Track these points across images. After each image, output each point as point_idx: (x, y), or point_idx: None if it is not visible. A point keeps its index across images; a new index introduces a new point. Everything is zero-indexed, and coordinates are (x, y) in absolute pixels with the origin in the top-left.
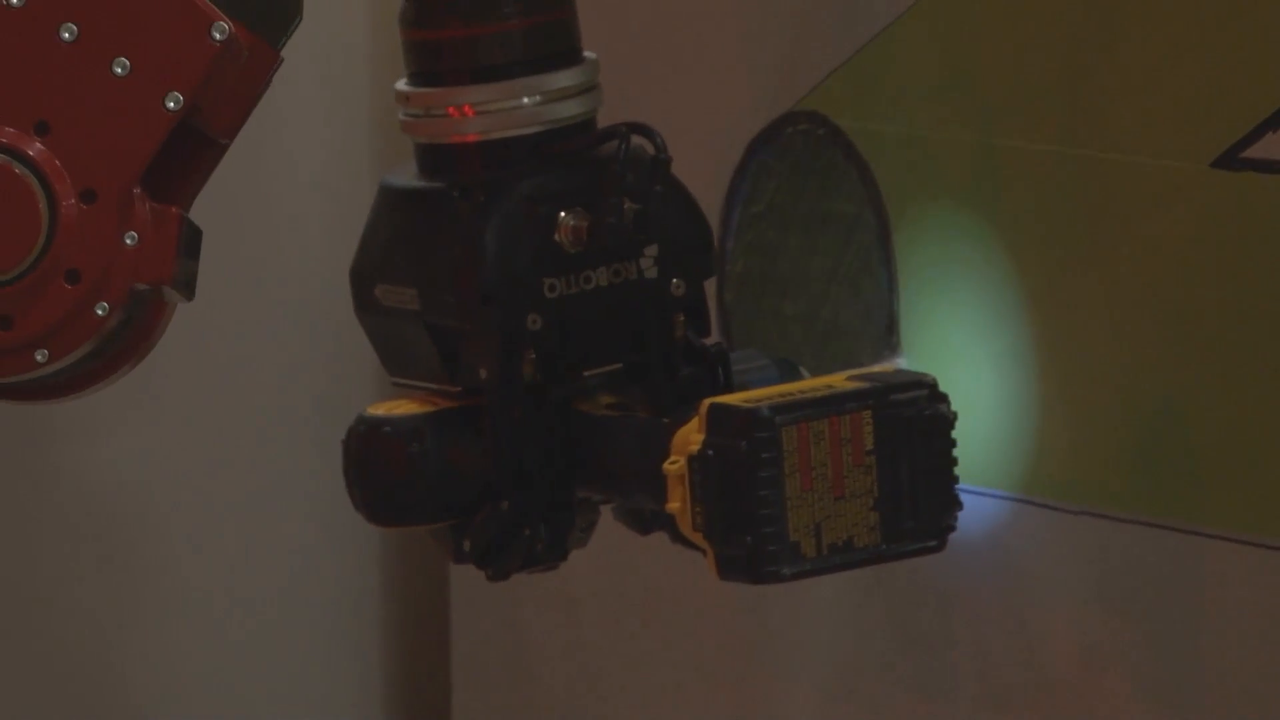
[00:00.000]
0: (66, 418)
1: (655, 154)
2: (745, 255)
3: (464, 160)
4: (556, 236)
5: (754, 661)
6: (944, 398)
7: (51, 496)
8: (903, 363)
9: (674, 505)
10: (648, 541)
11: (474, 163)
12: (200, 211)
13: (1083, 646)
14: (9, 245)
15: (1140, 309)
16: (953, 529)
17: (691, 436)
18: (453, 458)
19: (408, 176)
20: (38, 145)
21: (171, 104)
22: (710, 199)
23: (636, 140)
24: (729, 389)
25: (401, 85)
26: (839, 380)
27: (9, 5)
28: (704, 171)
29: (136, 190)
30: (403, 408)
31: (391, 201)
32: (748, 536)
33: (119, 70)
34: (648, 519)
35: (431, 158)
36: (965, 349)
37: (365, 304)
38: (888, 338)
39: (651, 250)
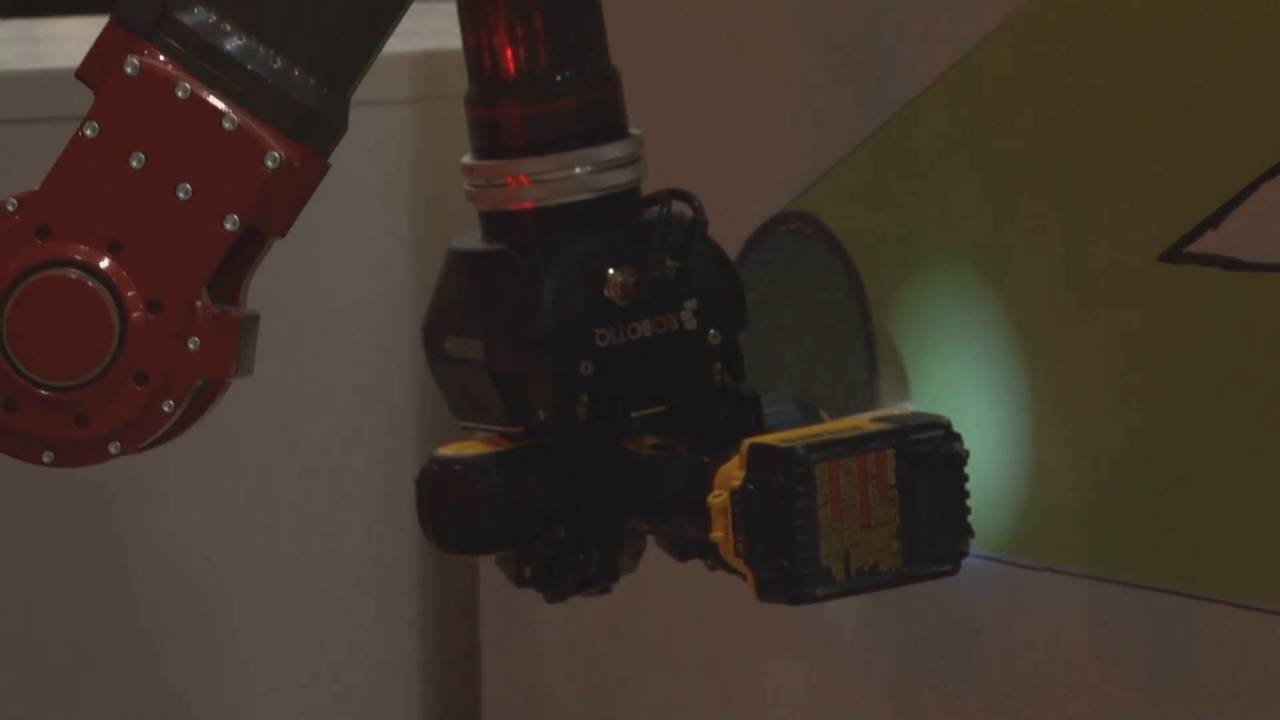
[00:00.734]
0: (128, 480)
1: (693, 217)
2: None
3: (523, 225)
4: (606, 291)
5: (770, 667)
6: (958, 437)
7: (117, 559)
8: (912, 406)
9: (718, 534)
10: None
11: (532, 227)
12: (258, 285)
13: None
14: (85, 351)
15: (1103, 387)
16: (965, 554)
17: (733, 473)
18: (515, 492)
19: (473, 241)
20: (110, 262)
21: (229, 225)
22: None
23: (677, 205)
24: (761, 430)
25: (466, 159)
26: (864, 422)
27: (84, 136)
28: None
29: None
30: (470, 448)
31: (459, 263)
32: (785, 561)
33: (182, 195)
34: (686, 546)
35: (494, 223)
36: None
37: (436, 356)
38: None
39: (691, 303)
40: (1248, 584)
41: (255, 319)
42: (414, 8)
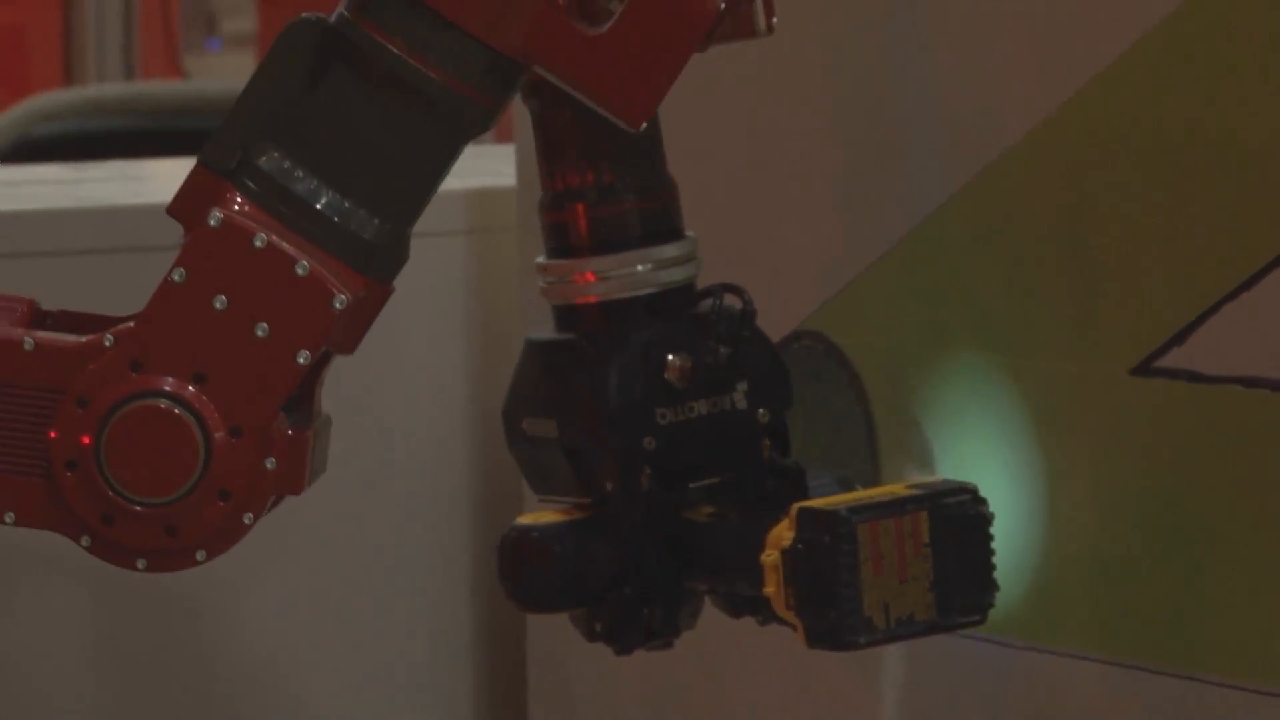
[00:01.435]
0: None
1: (743, 308)
2: None
3: (590, 317)
4: (666, 375)
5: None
6: (984, 501)
7: (182, 657)
8: (939, 473)
9: (770, 589)
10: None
11: (598, 318)
12: (334, 390)
13: None
14: (174, 472)
15: (1084, 490)
16: (992, 605)
17: (784, 534)
18: (586, 556)
19: (546, 332)
20: (195, 392)
21: (301, 359)
22: None
23: (728, 298)
24: (806, 499)
25: (540, 259)
26: (899, 488)
27: (173, 280)
28: None
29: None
30: (546, 517)
31: (534, 352)
32: (831, 613)
33: (260, 333)
34: (739, 604)
35: (564, 315)
36: None
37: (514, 436)
38: None
39: (742, 385)
40: (1251, 667)
41: (327, 422)
42: (467, 150)
